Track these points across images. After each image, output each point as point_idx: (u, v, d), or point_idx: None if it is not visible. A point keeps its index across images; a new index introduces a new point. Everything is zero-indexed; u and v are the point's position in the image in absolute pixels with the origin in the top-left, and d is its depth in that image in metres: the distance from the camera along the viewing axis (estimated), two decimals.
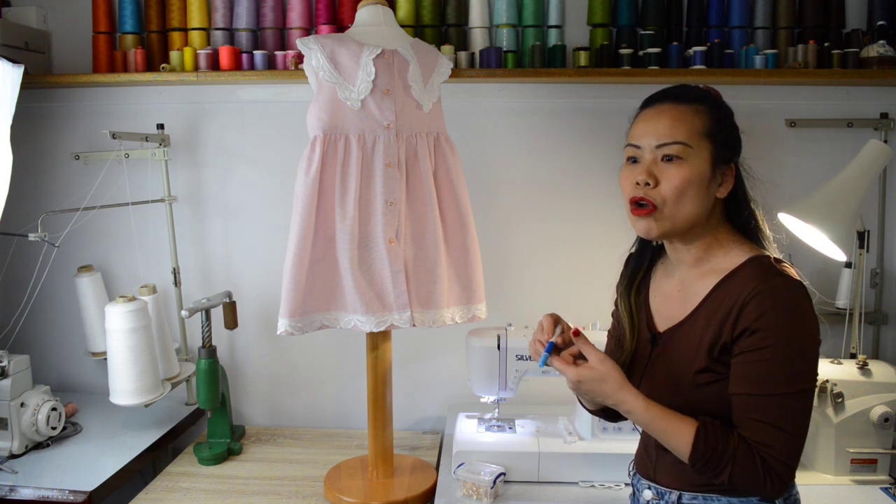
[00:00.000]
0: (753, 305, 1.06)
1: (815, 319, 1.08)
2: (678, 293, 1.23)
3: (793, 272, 1.10)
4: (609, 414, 1.34)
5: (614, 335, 1.37)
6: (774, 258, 1.14)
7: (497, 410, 1.90)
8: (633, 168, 1.18)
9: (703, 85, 1.24)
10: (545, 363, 1.18)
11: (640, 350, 1.27)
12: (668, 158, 1.14)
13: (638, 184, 1.15)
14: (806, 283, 1.10)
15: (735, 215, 1.21)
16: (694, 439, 1.07)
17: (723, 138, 1.17)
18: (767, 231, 1.21)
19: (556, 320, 1.23)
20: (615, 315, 1.38)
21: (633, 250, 1.35)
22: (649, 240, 1.23)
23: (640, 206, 1.15)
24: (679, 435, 1.09)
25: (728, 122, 1.19)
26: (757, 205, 1.23)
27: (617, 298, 1.35)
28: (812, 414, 1.09)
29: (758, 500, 1.13)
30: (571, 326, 1.22)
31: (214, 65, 2.05)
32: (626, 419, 1.38)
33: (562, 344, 1.21)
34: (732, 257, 1.16)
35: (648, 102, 1.21)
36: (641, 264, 1.33)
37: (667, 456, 1.17)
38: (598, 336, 1.44)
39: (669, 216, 1.14)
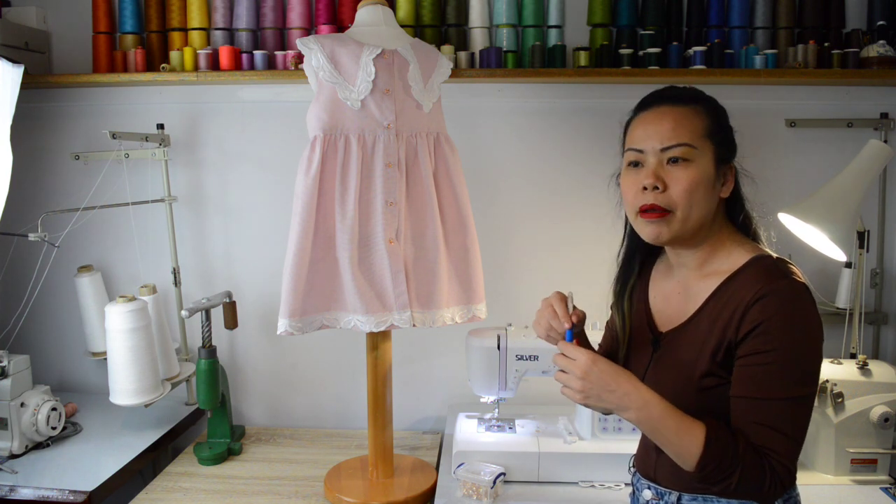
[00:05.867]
0: (758, 308, 1.05)
1: (819, 323, 1.07)
2: (679, 294, 1.23)
3: (797, 273, 1.10)
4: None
5: (611, 328, 1.37)
6: (777, 258, 1.13)
7: (497, 410, 1.90)
8: (636, 173, 1.16)
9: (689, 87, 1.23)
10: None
11: (641, 351, 1.26)
12: (675, 160, 1.12)
13: (645, 188, 1.13)
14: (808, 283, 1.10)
15: (734, 215, 1.21)
16: (706, 440, 1.04)
17: (722, 138, 1.17)
18: (761, 232, 1.22)
19: (565, 300, 1.20)
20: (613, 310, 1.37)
21: (621, 257, 1.33)
22: (657, 245, 1.19)
23: (650, 211, 1.13)
24: (691, 434, 1.05)
25: (725, 122, 1.19)
26: (751, 205, 1.22)
27: (613, 302, 1.34)
28: (812, 414, 1.09)
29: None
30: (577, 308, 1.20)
31: (214, 65, 2.05)
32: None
33: (577, 322, 1.18)
34: (734, 258, 1.15)
35: (645, 105, 1.19)
36: (633, 268, 1.32)
37: (667, 456, 1.17)
38: (599, 337, 1.44)
39: (681, 219, 1.13)
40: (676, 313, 1.21)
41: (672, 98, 1.17)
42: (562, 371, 1.12)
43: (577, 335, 1.19)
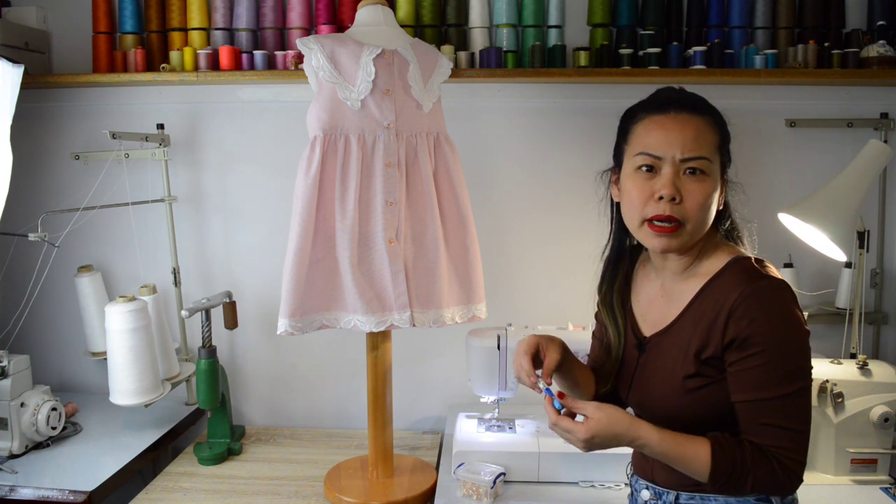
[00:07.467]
0: (741, 312, 1.07)
1: (802, 318, 1.09)
2: (661, 297, 1.23)
3: (775, 272, 1.11)
4: (609, 401, 1.34)
5: (600, 338, 1.36)
6: (756, 259, 1.13)
7: (497, 410, 1.90)
8: (650, 179, 1.12)
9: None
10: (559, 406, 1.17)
11: (627, 356, 1.27)
12: (692, 172, 1.11)
13: (661, 198, 1.10)
14: (787, 280, 1.10)
15: (720, 221, 1.21)
16: (712, 457, 1.07)
17: (726, 151, 1.17)
18: (745, 237, 1.22)
19: (532, 349, 1.20)
20: (599, 318, 1.36)
21: (608, 255, 1.31)
22: (665, 252, 1.17)
23: (663, 222, 1.11)
24: (696, 457, 1.08)
25: (729, 135, 1.18)
26: (734, 211, 1.23)
27: (598, 303, 1.33)
28: (812, 413, 1.10)
29: (754, 499, 1.13)
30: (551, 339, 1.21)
31: (214, 65, 2.05)
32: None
33: (551, 378, 1.19)
34: (715, 260, 1.16)
35: (659, 107, 1.15)
36: (620, 268, 1.31)
37: None
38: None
39: (690, 232, 1.12)
40: (660, 317, 1.22)
41: (690, 106, 1.13)
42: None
43: (562, 377, 1.22)
